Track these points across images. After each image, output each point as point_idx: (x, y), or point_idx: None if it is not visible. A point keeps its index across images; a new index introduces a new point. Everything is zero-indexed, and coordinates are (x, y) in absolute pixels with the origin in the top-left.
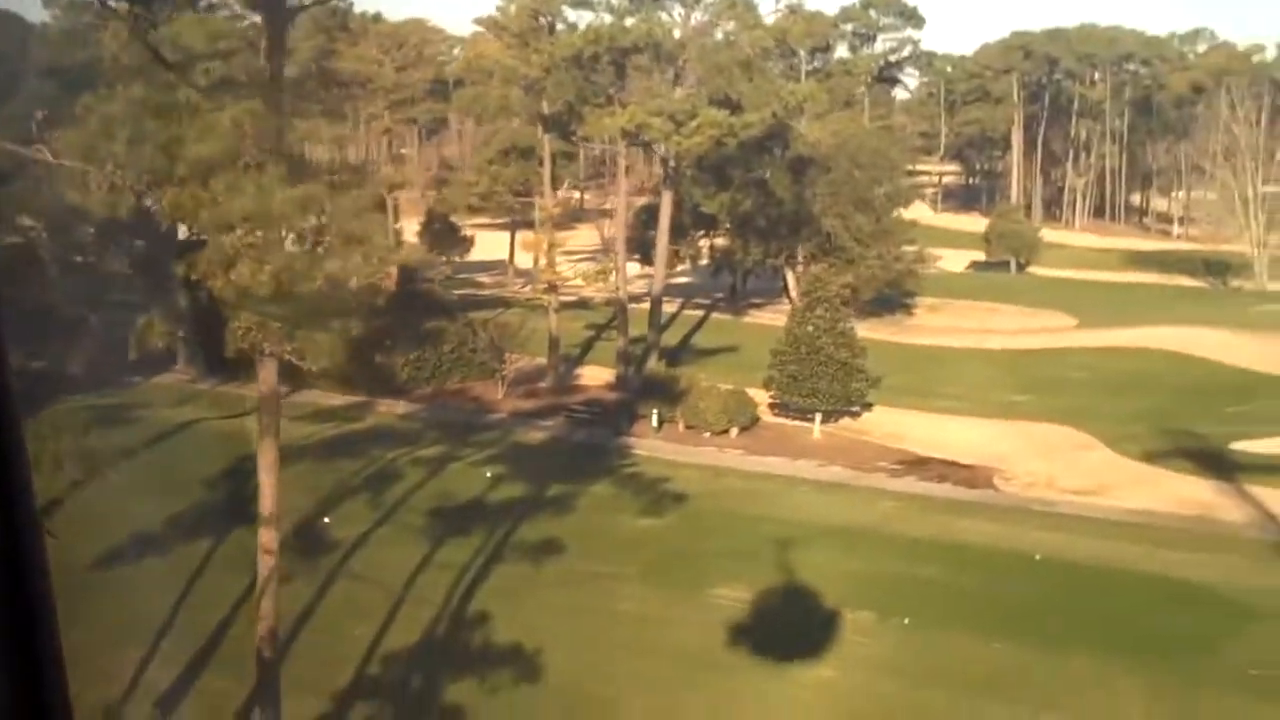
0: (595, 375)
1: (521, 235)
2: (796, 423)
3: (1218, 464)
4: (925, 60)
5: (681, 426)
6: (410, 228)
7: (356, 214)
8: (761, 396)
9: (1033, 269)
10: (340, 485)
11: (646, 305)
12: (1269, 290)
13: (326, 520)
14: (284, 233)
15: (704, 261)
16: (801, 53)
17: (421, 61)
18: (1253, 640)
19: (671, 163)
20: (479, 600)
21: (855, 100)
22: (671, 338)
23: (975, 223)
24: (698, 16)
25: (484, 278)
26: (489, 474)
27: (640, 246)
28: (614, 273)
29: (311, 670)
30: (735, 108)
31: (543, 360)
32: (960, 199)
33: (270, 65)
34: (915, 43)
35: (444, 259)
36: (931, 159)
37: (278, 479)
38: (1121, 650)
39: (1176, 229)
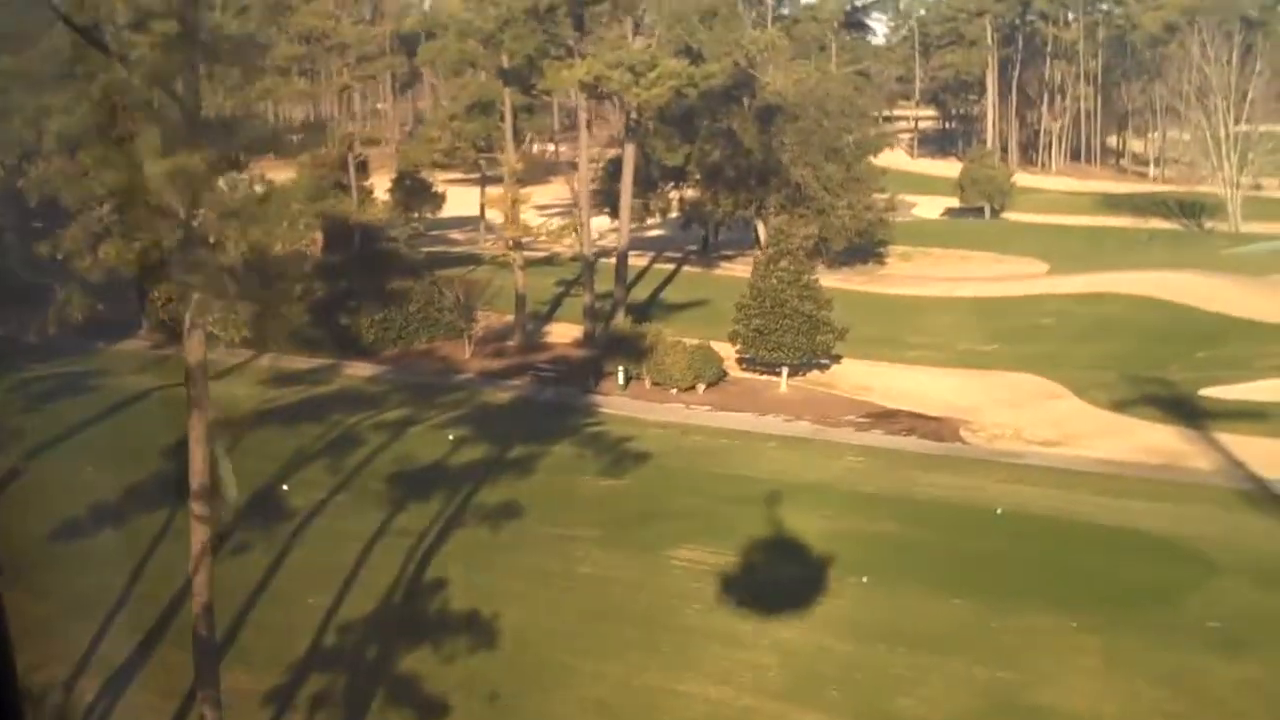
0: (564, 332)
1: (490, 191)
2: (764, 377)
3: (1187, 411)
4: (893, 5)
5: (648, 383)
6: (383, 184)
7: (234, 185)
8: (730, 351)
9: (1007, 214)
10: (301, 450)
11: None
12: (1242, 233)
13: (285, 487)
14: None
15: (674, 214)
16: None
17: (381, 16)
18: (1213, 593)
19: (634, 115)
20: (437, 566)
21: (825, 46)
22: (641, 292)
23: (952, 168)
24: None
25: (457, 234)
26: (451, 436)
27: (610, 200)
28: (579, 228)
29: (265, 642)
30: (696, 57)
31: (512, 318)
32: (937, 144)
33: (183, 24)
34: None
35: (415, 215)
36: (909, 104)
37: (207, 451)
38: (1080, 605)
39: (1153, 170)
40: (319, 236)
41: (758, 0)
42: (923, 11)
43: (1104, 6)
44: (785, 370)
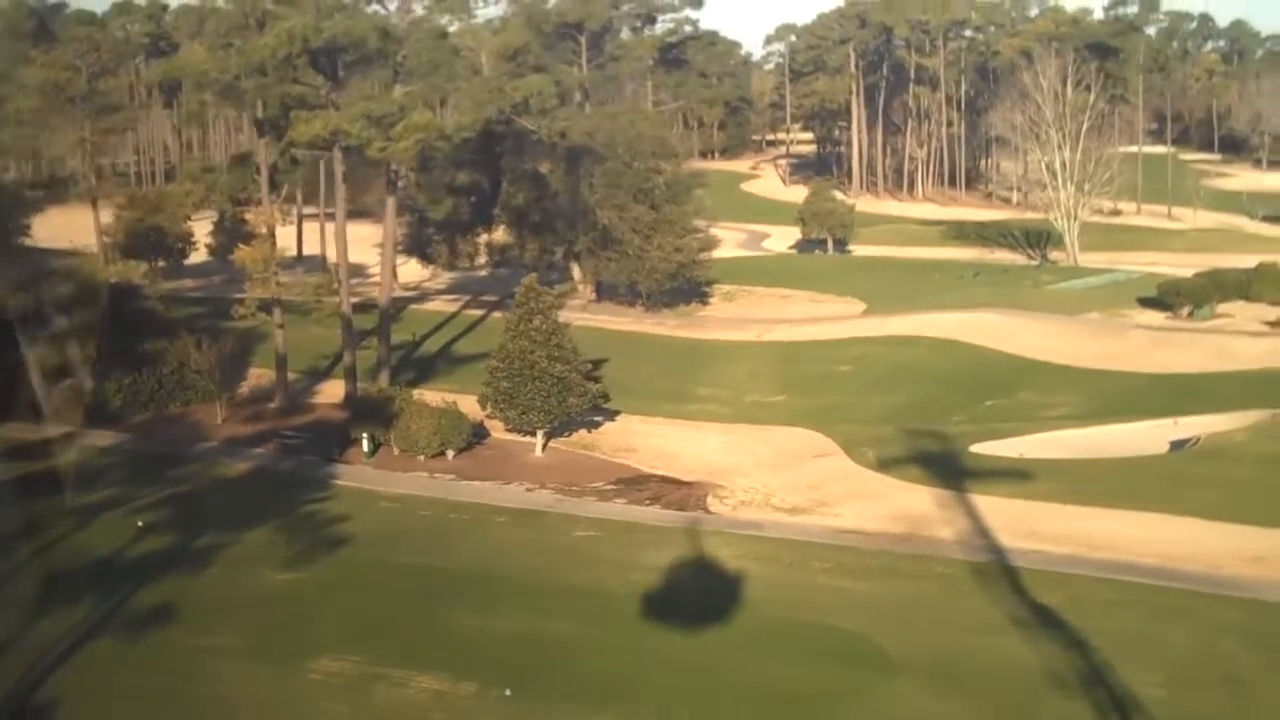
0: (336, 391)
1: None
2: (526, 439)
3: (951, 471)
4: (708, 41)
5: (396, 450)
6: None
7: None
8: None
9: (853, 247)
10: None
11: (435, 305)
12: (1079, 266)
13: None
14: None
15: (480, 260)
16: (582, 39)
17: (121, 68)
18: (858, 709)
19: (394, 167)
20: (52, 687)
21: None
22: (438, 342)
23: None
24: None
25: (285, 277)
26: (140, 523)
27: (417, 244)
28: (339, 283)
29: None
30: (455, 107)
31: (293, 374)
32: (815, 169)
33: None
34: (694, 23)
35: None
36: (792, 128)
37: None
38: None
39: (1016, 196)
40: None
41: (572, 38)
42: (793, 38)
43: (968, 33)
44: (540, 433)
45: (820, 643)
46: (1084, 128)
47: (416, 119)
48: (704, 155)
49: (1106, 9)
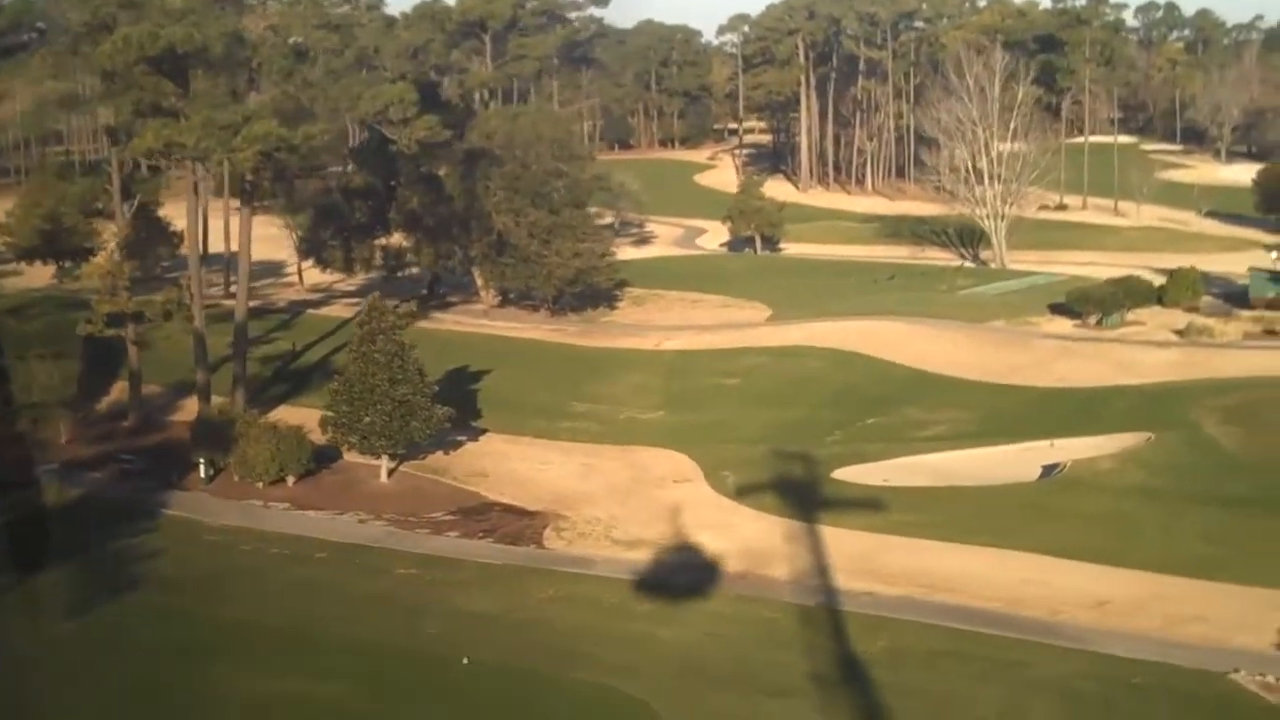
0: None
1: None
2: (377, 462)
3: (807, 499)
4: (616, 39)
5: (236, 476)
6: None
7: None
8: None
9: (786, 245)
10: None
11: (334, 310)
12: (1004, 268)
13: None
14: None
15: (377, 264)
16: (486, 37)
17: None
18: None
19: (248, 176)
20: None
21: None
22: (319, 352)
23: (778, 188)
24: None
25: (212, 276)
26: None
27: (314, 248)
28: (192, 298)
29: None
30: (307, 115)
31: (161, 388)
32: (771, 160)
33: None
34: (599, 21)
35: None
36: (751, 119)
37: None
38: None
39: (961, 191)
40: None
41: (475, 36)
42: (746, 29)
43: (918, 24)
44: (384, 459)
45: (593, 710)
46: (1012, 125)
47: (256, 129)
48: (664, 144)
49: (1054, 0)
